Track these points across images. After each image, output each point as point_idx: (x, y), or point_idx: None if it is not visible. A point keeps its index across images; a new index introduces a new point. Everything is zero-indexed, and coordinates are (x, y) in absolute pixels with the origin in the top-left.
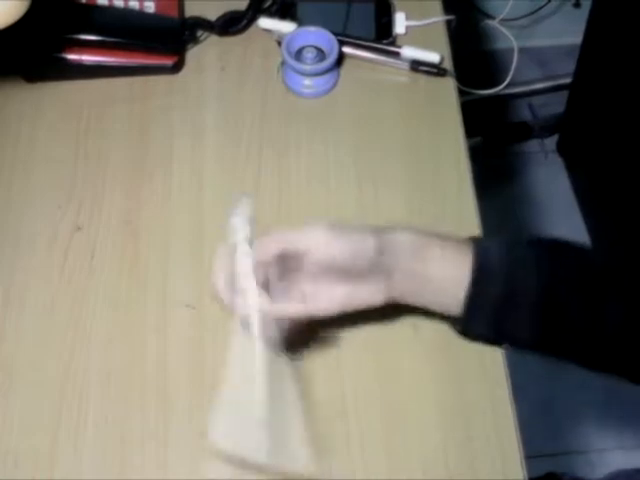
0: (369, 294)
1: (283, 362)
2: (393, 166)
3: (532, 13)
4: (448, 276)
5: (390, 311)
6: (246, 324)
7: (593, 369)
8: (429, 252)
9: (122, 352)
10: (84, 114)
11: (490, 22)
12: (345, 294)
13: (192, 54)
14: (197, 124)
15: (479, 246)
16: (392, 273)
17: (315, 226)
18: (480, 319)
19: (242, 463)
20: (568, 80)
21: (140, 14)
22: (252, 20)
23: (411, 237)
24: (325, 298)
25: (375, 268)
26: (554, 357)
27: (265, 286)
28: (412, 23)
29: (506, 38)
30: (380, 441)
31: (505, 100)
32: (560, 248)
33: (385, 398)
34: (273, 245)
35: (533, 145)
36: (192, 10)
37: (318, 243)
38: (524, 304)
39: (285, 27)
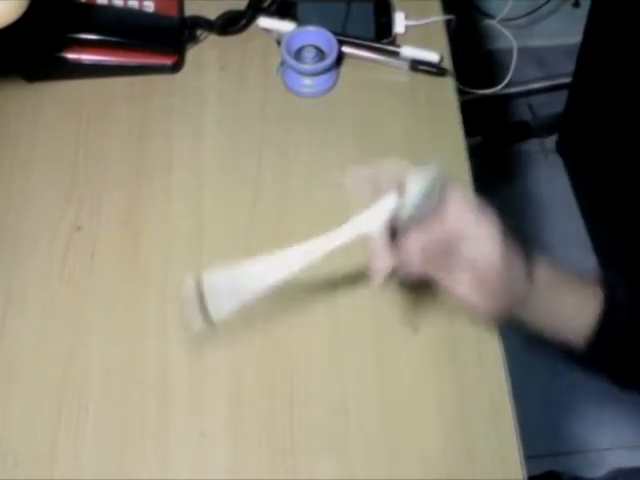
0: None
1: None
2: None
3: (531, 13)
4: (578, 311)
5: (390, 311)
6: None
7: None
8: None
9: (122, 352)
10: (84, 114)
11: (489, 22)
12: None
13: (192, 54)
14: (197, 123)
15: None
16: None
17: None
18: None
19: None
20: (567, 80)
21: (139, 13)
22: (251, 19)
23: (549, 275)
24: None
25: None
26: None
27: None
28: (411, 23)
29: (505, 38)
30: (380, 441)
31: (505, 100)
32: None
33: (385, 398)
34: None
35: (533, 145)
36: (191, 9)
37: (485, 247)
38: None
39: (285, 27)
